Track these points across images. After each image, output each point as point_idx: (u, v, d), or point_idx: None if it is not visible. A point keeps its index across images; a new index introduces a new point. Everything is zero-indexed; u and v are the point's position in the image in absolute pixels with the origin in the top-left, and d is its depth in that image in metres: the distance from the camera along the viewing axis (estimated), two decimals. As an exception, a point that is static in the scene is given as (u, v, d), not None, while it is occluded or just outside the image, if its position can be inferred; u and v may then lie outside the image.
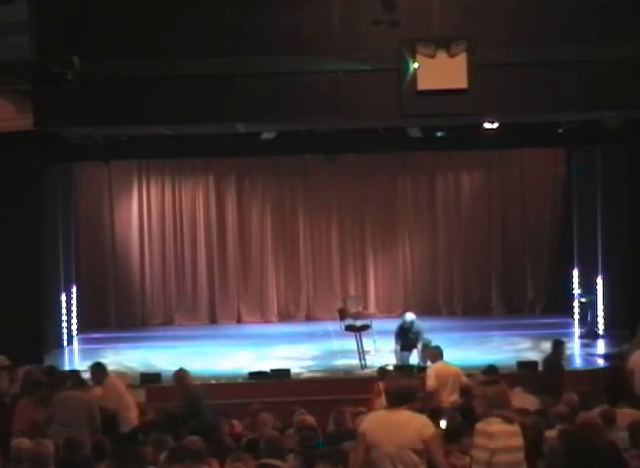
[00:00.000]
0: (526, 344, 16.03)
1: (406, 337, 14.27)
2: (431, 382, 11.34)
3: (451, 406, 10.20)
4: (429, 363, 12.07)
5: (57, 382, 10.17)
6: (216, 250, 19.87)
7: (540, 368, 12.96)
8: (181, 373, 10.88)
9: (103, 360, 15.15)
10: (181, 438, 7.97)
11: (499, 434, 6.04)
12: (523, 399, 9.96)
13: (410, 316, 14.59)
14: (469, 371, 12.33)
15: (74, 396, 9.67)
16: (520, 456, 6.15)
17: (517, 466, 6.13)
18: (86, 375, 11.32)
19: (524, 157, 19.69)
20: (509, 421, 6.12)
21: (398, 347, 14.33)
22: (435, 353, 12.01)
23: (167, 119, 10.35)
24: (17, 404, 9.86)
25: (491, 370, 11.80)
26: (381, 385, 11.16)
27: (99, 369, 11.08)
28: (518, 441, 6.15)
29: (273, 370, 13.94)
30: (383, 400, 11.13)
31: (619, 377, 11.27)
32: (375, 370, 14.38)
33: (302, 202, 20.06)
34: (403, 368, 13.39)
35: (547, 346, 15.82)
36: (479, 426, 6.15)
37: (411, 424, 5.79)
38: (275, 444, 7.05)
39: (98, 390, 10.70)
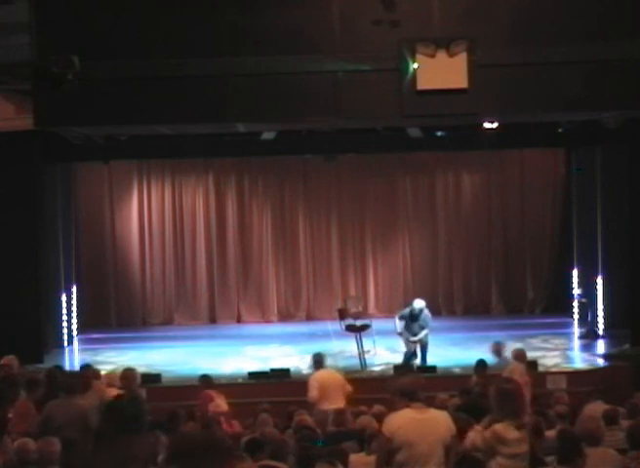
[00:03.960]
0: (526, 344, 15.98)
1: (412, 324, 14.07)
2: (313, 393, 10.71)
3: (451, 406, 10.16)
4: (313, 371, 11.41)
5: (54, 387, 9.62)
6: (216, 250, 19.85)
7: None
8: (132, 373, 9.96)
9: (103, 360, 15.37)
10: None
11: (514, 441, 6.11)
12: None
13: (419, 303, 14.27)
14: (469, 372, 12.30)
15: (69, 405, 8.84)
16: (526, 464, 6.24)
17: None
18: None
19: (524, 157, 19.67)
20: (521, 428, 6.18)
21: (407, 333, 14.09)
22: (316, 360, 11.39)
23: (167, 119, 10.37)
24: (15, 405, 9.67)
25: (482, 365, 11.80)
26: (213, 392, 10.96)
27: (87, 372, 10.71)
28: (527, 447, 6.24)
29: (273, 370, 13.94)
30: (220, 403, 10.66)
31: None
32: (374, 370, 14.45)
33: (302, 202, 20.04)
34: (403, 367, 13.33)
35: (547, 346, 15.98)
36: (498, 428, 6.14)
37: (441, 420, 5.79)
38: (281, 448, 7.03)
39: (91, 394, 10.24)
